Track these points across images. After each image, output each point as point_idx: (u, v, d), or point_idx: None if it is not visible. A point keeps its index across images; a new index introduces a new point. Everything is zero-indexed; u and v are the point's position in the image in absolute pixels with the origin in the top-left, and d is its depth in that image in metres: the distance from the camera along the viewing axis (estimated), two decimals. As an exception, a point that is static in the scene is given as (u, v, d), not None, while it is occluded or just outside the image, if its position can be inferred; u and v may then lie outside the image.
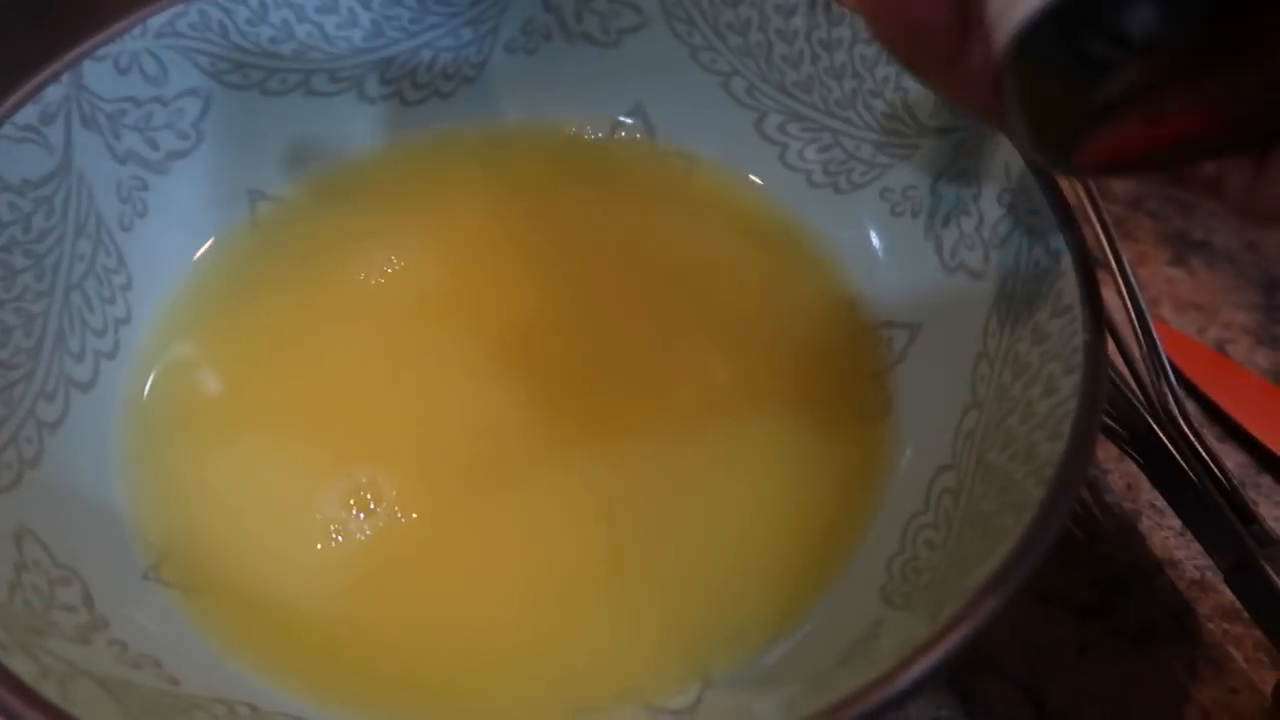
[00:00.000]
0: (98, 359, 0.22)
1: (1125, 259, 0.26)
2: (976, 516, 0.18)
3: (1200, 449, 0.23)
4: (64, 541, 0.18)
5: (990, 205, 0.22)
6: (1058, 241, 0.20)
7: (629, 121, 0.28)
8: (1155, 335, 0.25)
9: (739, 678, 0.19)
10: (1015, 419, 0.19)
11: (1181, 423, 0.24)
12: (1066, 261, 0.20)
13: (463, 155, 0.28)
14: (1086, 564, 0.25)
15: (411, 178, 0.27)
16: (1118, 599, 0.24)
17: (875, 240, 0.25)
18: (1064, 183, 0.21)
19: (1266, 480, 0.27)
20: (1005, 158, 0.22)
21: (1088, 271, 0.19)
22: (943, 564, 0.18)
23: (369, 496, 0.21)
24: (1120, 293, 0.26)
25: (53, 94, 0.22)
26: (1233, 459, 0.27)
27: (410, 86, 0.28)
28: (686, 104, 0.28)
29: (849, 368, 0.24)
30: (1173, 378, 0.25)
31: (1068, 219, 0.20)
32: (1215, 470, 0.23)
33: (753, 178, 0.27)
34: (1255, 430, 0.27)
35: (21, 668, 0.14)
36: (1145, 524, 0.26)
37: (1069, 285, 0.19)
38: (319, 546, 0.20)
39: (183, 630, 0.19)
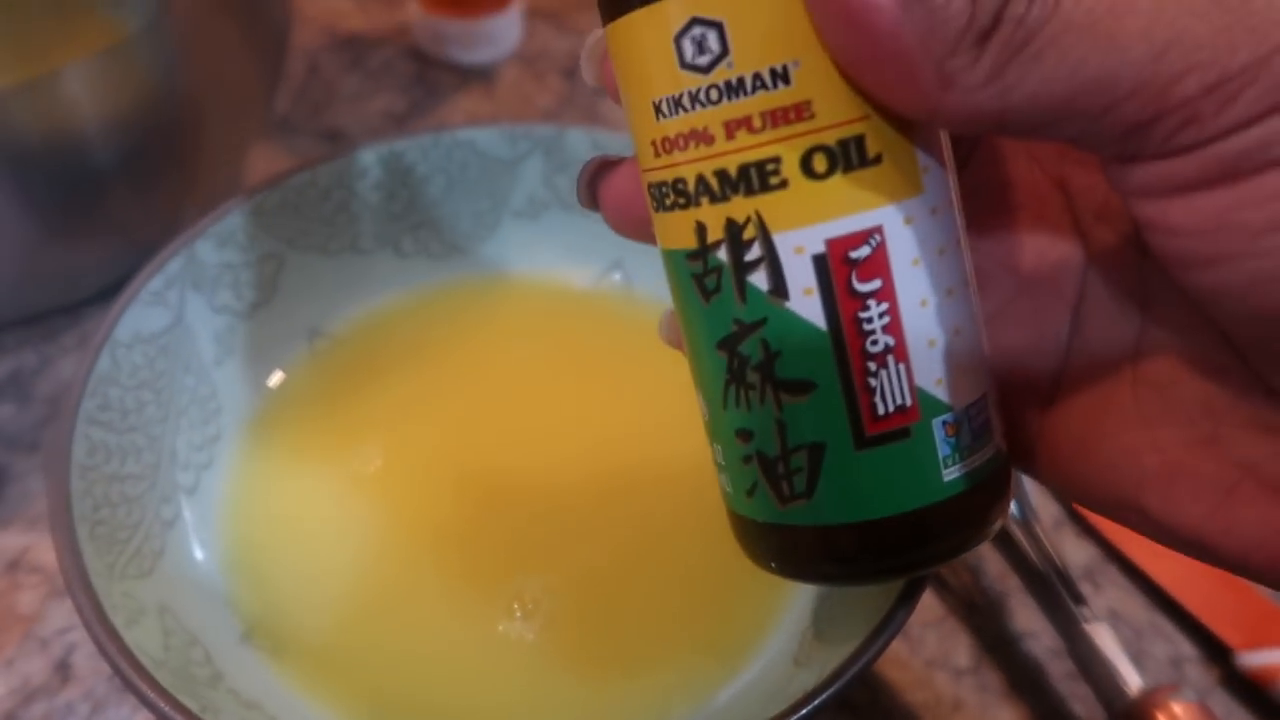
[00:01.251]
0: (198, 470, 0.28)
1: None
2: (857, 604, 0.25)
3: (1044, 541, 0.31)
4: (186, 613, 0.24)
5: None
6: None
7: (613, 275, 0.36)
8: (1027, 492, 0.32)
9: (694, 715, 0.25)
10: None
11: (1033, 519, 0.31)
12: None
13: (477, 299, 0.35)
14: (963, 635, 0.32)
15: (438, 317, 0.34)
16: (986, 661, 0.31)
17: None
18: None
19: (1111, 570, 0.34)
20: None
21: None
22: (837, 633, 0.25)
23: (416, 572, 0.27)
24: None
25: (174, 266, 0.29)
26: (1085, 552, 0.34)
27: (436, 244, 0.35)
28: (658, 261, 0.35)
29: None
30: (1034, 506, 0.32)
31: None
32: (1055, 560, 0.30)
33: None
34: (1103, 529, 0.34)
35: (189, 703, 0.20)
36: (1012, 602, 0.32)
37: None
38: (368, 608, 0.27)
39: (274, 684, 0.25)
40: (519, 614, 0.27)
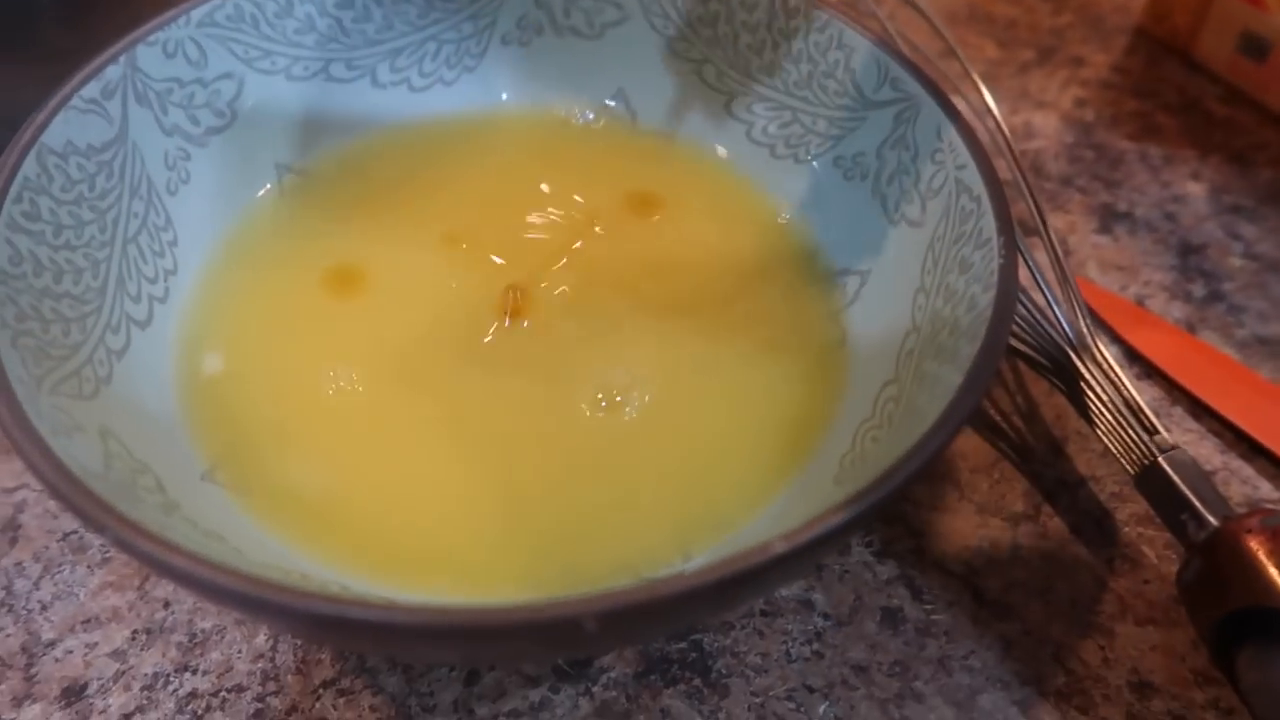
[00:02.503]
0: (152, 302, 0.25)
1: (1051, 225, 0.30)
2: (912, 411, 0.22)
3: (1111, 371, 0.27)
4: (137, 443, 0.21)
5: (925, 164, 0.26)
6: (979, 188, 0.24)
7: (613, 105, 0.32)
8: (1074, 281, 0.29)
9: (714, 554, 0.22)
10: (945, 334, 0.23)
11: (1095, 348, 0.27)
12: (986, 204, 0.23)
13: (463, 135, 0.32)
14: (1019, 480, 0.28)
15: (417, 155, 0.31)
16: (1046, 508, 0.28)
17: (831, 201, 0.29)
18: (999, 159, 0.25)
19: (1178, 411, 0.30)
20: (937, 122, 0.26)
21: (1003, 210, 0.23)
22: (883, 449, 0.21)
23: (375, 401, 0.24)
24: (1048, 253, 0.29)
25: (112, 73, 0.25)
26: (1147, 394, 0.31)
27: (417, 74, 0.31)
28: (663, 89, 0.31)
29: (810, 308, 0.28)
30: (1089, 316, 0.28)
31: (989, 170, 0.24)
32: (1124, 390, 0.27)
33: (722, 152, 0.31)
34: (1169, 368, 0.31)
35: (132, 514, 0.17)
36: (1071, 447, 0.29)
37: (988, 222, 0.23)
38: (340, 448, 0.24)
39: (238, 519, 0.22)
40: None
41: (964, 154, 0.24)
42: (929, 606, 0.26)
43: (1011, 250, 0.22)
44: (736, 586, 0.16)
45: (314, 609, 0.15)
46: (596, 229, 0.29)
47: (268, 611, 0.16)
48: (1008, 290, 0.21)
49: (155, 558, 0.16)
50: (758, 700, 0.24)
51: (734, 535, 0.23)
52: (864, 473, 0.21)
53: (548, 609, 0.15)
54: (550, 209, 0.30)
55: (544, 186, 0.30)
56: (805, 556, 0.17)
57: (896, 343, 0.25)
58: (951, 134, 0.25)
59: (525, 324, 0.26)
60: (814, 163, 0.29)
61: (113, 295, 0.24)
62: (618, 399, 0.24)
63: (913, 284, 0.25)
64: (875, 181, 0.28)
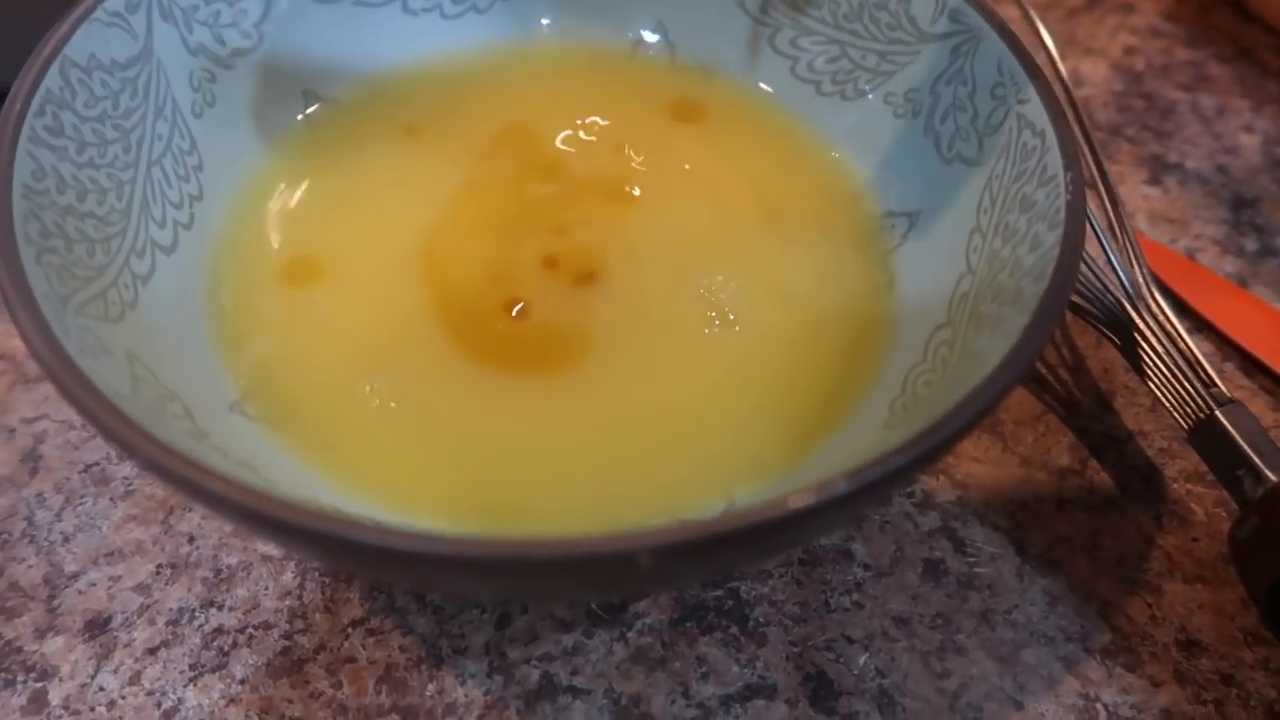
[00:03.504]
0: (177, 228, 0.24)
1: (1109, 173, 0.29)
2: (969, 354, 0.21)
3: (1167, 323, 0.26)
4: (164, 370, 0.20)
5: (984, 99, 0.25)
6: (1043, 122, 0.23)
7: (652, 38, 0.31)
8: (1131, 231, 0.28)
9: (757, 498, 0.21)
10: (1005, 275, 0.22)
11: (1150, 300, 0.26)
12: (1051, 139, 0.22)
13: (496, 66, 0.30)
14: (1065, 434, 0.27)
15: (449, 85, 0.30)
16: (1092, 463, 0.27)
17: (879, 140, 0.28)
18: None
19: (1230, 367, 0.29)
20: (998, 55, 0.24)
21: (1069, 145, 0.22)
22: (938, 393, 0.20)
23: (426, 336, 0.23)
24: (1103, 202, 0.28)
25: (136, -15, 0.24)
26: (1200, 349, 0.30)
27: (449, 2, 0.30)
28: (705, 21, 0.30)
29: (856, 252, 0.26)
30: (1145, 265, 0.27)
31: (1053, 104, 0.23)
32: (1180, 342, 0.26)
33: (765, 88, 0.30)
34: (1221, 324, 0.30)
35: (164, 436, 0.16)
36: (1119, 401, 0.28)
37: (1053, 158, 0.22)
38: (375, 383, 0.23)
39: (268, 451, 0.21)
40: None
41: (1027, 87, 0.23)
42: (971, 559, 0.25)
43: (1079, 186, 0.21)
44: (802, 522, 0.15)
45: (361, 538, 0.14)
46: (636, 162, 0.28)
47: (309, 540, 0.16)
48: (1076, 228, 0.20)
49: (193, 481, 0.15)
50: (795, 649, 0.23)
51: (779, 481, 0.22)
52: (919, 416, 0.20)
53: (600, 543, 0.15)
54: (586, 137, 0.28)
55: (580, 119, 0.29)
56: (874, 493, 0.16)
57: (949, 286, 0.24)
58: (1014, 66, 0.24)
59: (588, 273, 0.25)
60: (862, 99, 0.28)
61: (137, 218, 0.23)
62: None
63: (967, 224, 0.24)
64: (928, 119, 0.26)
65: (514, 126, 0.28)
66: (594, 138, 0.29)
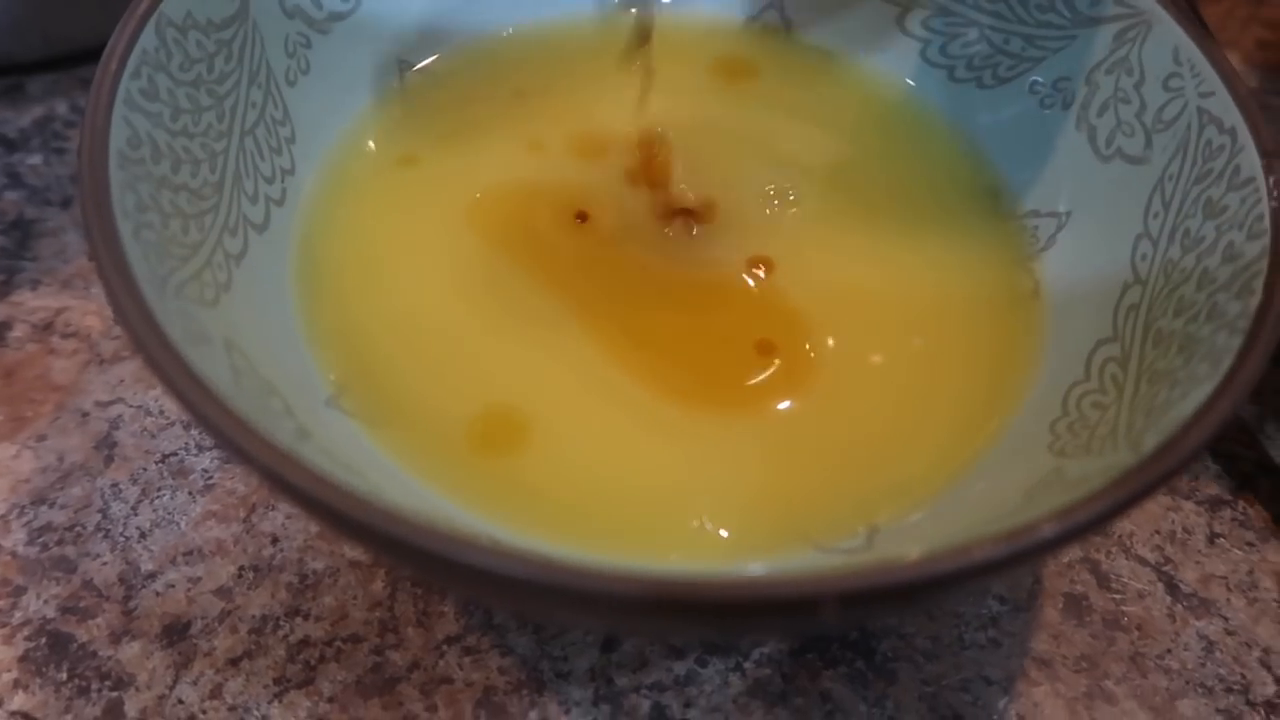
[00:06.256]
0: (269, 204, 0.22)
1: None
2: (1156, 374, 0.18)
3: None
4: (262, 360, 0.19)
5: (1154, 91, 0.22)
6: (1234, 119, 0.20)
7: (768, 15, 0.29)
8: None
9: (905, 527, 0.19)
10: (1189, 287, 0.19)
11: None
12: (1245, 136, 0.20)
13: (600, 39, 0.28)
14: (1213, 463, 0.25)
15: (552, 57, 0.28)
16: (1245, 494, 0.25)
17: (1020, 133, 0.25)
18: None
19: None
20: (1174, 42, 0.22)
21: (1266, 145, 0.20)
22: (1122, 417, 0.18)
23: (528, 331, 0.21)
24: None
25: (234, -60, 0.22)
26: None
27: (555, -31, 0.28)
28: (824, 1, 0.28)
29: (993, 255, 0.24)
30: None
31: (1245, 98, 0.20)
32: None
33: (892, 73, 0.28)
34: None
35: (263, 428, 0.14)
36: (1270, 427, 0.26)
37: (1248, 159, 0.20)
38: (479, 377, 0.21)
39: (369, 452, 0.19)
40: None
41: (1212, 79, 0.21)
42: (1117, 595, 0.23)
43: (1285, 191, 0.19)
44: (1011, 565, 0.13)
45: (515, 572, 0.13)
46: (755, 145, 0.26)
47: (436, 566, 0.14)
48: (1283, 238, 0.18)
49: (319, 500, 0.13)
50: (929, 690, 0.21)
51: (928, 506, 0.20)
52: (1105, 440, 0.18)
53: (785, 585, 0.13)
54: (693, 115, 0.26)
55: (693, 98, 0.27)
56: (1107, 521, 0.14)
57: (1113, 296, 0.21)
58: (1194, 55, 0.21)
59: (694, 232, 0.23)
60: (1003, 87, 0.26)
61: (230, 193, 0.21)
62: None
63: (1133, 229, 0.22)
64: (1082, 111, 0.24)
65: (617, 106, 0.26)
66: (697, 133, 0.26)
